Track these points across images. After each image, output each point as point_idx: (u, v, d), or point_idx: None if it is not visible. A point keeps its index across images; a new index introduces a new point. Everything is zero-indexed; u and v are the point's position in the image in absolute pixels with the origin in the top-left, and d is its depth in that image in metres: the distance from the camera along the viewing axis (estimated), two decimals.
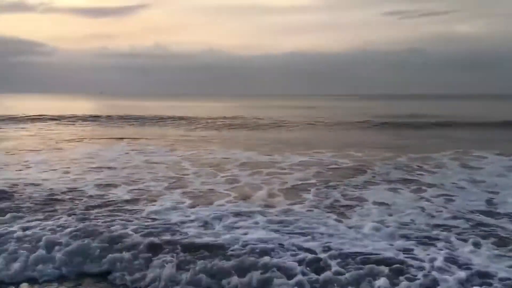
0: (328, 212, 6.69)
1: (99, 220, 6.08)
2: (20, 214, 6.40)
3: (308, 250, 5.05)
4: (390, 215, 6.50)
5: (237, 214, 6.49)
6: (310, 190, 8.11)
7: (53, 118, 27.66)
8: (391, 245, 5.25)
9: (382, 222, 6.10)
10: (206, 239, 5.39)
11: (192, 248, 5.09)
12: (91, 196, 7.61)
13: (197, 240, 5.34)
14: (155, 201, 7.35)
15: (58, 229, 5.65)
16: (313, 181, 8.97)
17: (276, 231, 5.74)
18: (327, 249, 5.06)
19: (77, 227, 5.68)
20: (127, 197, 7.60)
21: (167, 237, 5.46)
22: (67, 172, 9.79)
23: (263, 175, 9.55)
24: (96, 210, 6.71)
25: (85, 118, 28.14)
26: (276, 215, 6.50)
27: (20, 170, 10.08)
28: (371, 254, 4.91)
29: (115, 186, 8.47)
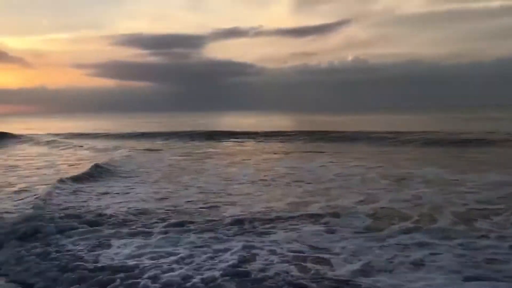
0: None
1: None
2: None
3: None
4: None
5: (415, 245, 6.17)
6: (493, 219, 7.46)
7: (262, 134, 30.99)
8: None
9: None
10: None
11: None
12: (278, 215, 7.94)
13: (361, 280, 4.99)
14: (338, 217, 7.76)
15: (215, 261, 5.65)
16: (501, 206, 8.28)
17: (460, 272, 5.12)
18: None
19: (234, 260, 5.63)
20: (316, 212, 8.06)
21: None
22: (268, 185, 11.21)
23: (449, 194, 9.35)
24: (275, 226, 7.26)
25: (289, 133, 30.48)
26: (459, 251, 5.83)
27: (227, 180, 11.95)
28: None
29: (310, 202, 8.94)
